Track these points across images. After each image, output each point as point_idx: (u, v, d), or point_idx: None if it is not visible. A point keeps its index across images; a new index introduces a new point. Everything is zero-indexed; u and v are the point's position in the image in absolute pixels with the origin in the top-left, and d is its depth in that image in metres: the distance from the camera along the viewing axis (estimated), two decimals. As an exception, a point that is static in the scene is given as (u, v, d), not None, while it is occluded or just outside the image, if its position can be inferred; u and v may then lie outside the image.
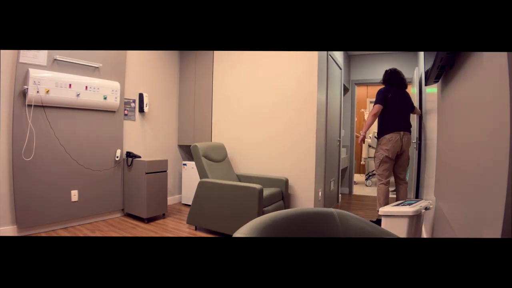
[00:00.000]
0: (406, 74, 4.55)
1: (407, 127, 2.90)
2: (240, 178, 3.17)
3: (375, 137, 5.59)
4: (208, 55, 3.65)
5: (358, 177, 6.35)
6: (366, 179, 5.85)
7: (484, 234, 0.78)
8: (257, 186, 2.47)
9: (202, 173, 2.86)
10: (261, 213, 2.46)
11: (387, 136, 2.81)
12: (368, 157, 6.04)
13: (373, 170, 5.94)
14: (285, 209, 2.87)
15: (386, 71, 3.04)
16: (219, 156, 3.14)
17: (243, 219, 2.46)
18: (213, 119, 3.65)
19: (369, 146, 5.91)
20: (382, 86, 3.03)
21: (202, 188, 2.74)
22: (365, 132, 2.94)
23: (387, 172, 2.87)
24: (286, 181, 2.96)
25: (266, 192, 2.64)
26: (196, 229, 2.87)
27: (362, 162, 6.28)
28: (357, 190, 5.20)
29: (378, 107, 2.84)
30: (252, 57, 3.32)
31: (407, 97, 2.99)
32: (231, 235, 2.68)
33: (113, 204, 3.14)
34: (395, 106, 2.85)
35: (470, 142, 0.99)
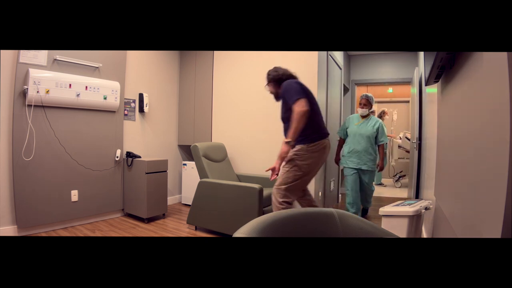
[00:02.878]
0: (406, 74, 4.57)
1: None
2: (240, 178, 3.17)
3: (406, 137, 5.23)
4: (208, 55, 3.65)
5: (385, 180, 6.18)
6: (396, 180, 5.63)
7: (484, 234, 0.78)
8: (257, 186, 2.47)
9: (202, 173, 2.86)
10: (261, 213, 2.46)
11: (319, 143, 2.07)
12: (399, 158, 5.78)
13: (401, 171, 5.69)
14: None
15: (276, 68, 2.40)
16: (219, 156, 3.14)
17: (243, 219, 2.45)
18: (213, 119, 3.65)
19: (399, 147, 5.62)
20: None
21: (202, 188, 2.74)
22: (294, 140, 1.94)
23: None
24: None
25: (266, 192, 2.64)
26: (196, 229, 2.88)
27: (393, 163, 6.04)
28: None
29: (306, 101, 1.93)
30: (252, 57, 3.32)
31: None
32: (231, 235, 2.68)
33: (113, 204, 3.14)
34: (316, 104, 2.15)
35: (470, 142, 0.99)
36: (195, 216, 2.78)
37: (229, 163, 3.26)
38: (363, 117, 3.25)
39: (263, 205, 2.50)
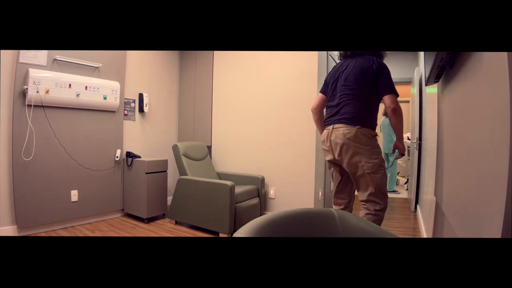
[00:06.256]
0: (406, 74, 4.57)
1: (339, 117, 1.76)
2: (220, 175, 3.31)
3: (408, 138, 4.76)
4: (208, 55, 3.65)
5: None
6: (405, 183, 5.31)
7: (484, 234, 0.78)
8: (229, 183, 2.59)
9: (181, 170, 3.01)
10: (233, 208, 2.59)
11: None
12: (408, 159, 5.20)
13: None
14: (260, 206, 2.99)
15: None
16: (199, 155, 3.27)
17: (217, 213, 2.61)
18: (213, 119, 3.65)
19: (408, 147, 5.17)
20: None
21: (180, 184, 2.89)
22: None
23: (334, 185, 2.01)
24: (263, 179, 3.10)
25: (240, 189, 2.76)
26: (176, 223, 3.01)
27: (403, 164, 5.59)
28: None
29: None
30: (252, 57, 3.32)
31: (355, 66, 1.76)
32: (208, 229, 2.67)
33: (113, 204, 3.14)
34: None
35: (470, 141, 0.99)
36: (175, 211, 2.94)
37: (209, 162, 3.40)
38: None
39: (235, 201, 2.64)
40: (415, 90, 3.65)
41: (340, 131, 1.71)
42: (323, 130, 1.89)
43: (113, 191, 3.12)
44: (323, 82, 1.96)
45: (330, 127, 1.77)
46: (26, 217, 2.45)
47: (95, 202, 2.96)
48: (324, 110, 1.99)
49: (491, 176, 0.74)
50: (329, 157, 1.84)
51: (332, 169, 1.93)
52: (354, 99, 1.73)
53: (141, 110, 3.45)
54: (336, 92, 1.81)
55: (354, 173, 1.73)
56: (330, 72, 1.93)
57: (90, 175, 2.90)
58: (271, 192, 3.17)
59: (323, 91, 1.96)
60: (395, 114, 1.69)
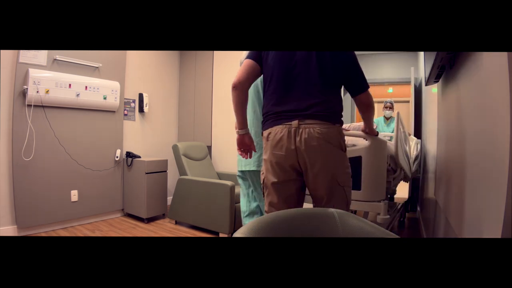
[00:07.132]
0: (406, 74, 4.57)
1: (306, 111, 1.23)
2: (220, 176, 3.32)
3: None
4: (208, 55, 3.66)
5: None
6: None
7: (484, 234, 0.78)
8: (229, 183, 2.59)
9: (181, 170, 3.03)
10: (233, 208, 2.59)
11: (265, 133, 1.31)
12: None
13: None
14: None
15: None
16: (199, 155, 3.28)
17: (217, 213, 2.61)
18: (213, 119, 3.65)
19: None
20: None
21: (180, 184, 2.90)
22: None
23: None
24: None
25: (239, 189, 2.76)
26: (176, 223, 3.01)
27: None
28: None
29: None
30: (252, 57, 3.32)
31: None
32: (208, 229, 2.65)
33: (113, 204, 3.14)
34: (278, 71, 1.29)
35: (470, 141, 0.99)
36: (175, 211, 2.95)
37: (209, 162, 3.40)
38: (388, 118, 3.88)
39: (235, 201, 2.63)
40: (412, 89, 3.66)
41: (316, 129, 1.20)
42: (244, 118, 1.34)
43: (113, 191, 3.12)
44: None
45: (294, 122, 1.21)
46: (26, 217, 2.46)
47: (95, 202, 2.96)
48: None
49: (491, 176, 0.74)
50: (287, 163, 1.24)
51: (279, 187, 1.27)
52: (332, 87, 1.36)
53: (141, 110, 3.45)
54: (300, 74, 1.27)
55: (324, 187, 1.23)
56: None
57: (90, 175, 2.90)
58: (271, 192, 3.16)
59: (255, 57, 1.31)
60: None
